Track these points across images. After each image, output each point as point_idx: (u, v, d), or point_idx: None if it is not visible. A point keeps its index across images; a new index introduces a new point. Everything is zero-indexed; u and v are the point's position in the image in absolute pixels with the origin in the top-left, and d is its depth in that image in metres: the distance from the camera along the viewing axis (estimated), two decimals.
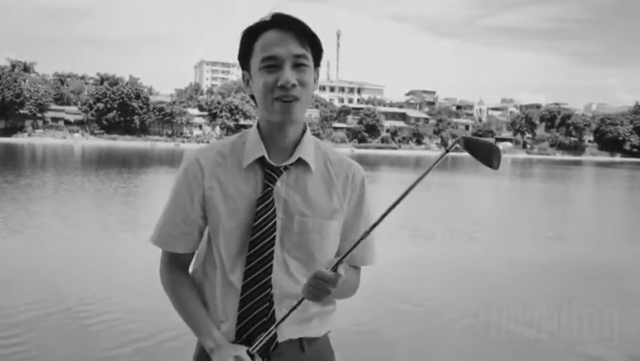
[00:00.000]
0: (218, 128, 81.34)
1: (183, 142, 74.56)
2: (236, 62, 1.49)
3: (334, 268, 1.28)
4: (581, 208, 19.24)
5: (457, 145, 1.32)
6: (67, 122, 77.03)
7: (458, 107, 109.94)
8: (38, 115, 73.77)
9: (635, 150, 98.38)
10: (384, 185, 23.64)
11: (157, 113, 78.79)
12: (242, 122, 78.97)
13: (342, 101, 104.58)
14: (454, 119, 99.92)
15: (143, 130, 78.43)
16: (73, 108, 78.66)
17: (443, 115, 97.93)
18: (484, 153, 1.35)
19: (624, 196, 24.64)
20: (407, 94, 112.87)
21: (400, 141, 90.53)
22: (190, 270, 1.58)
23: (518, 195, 20.27)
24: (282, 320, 1.35)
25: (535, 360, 4.74)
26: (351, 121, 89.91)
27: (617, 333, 5.33)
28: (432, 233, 11.04)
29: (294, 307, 1.34)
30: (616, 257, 9.60)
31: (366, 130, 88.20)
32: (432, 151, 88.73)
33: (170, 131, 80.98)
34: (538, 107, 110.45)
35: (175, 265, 1.54)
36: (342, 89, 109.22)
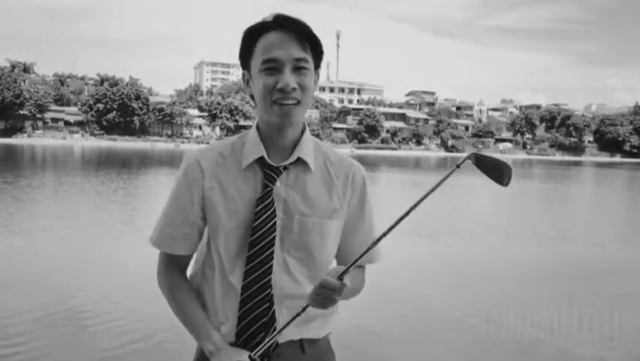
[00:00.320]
0: (218, 129, 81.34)
1: (183, 143, 74.55)
2: (236, 62, 1.49)
3: (340, 278, 1.28)
4: (581, 209, 19.25)
5: (469, 160, 1.31)
6: (67, 123, 77.02)
7: (458, 108, 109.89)
8: (38, 116, 73.80)
9: (635, 150, 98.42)
10: (384, 185, 23.65)
11: (157, 113, 78.81)
12: (242, 122, 78.96)
13: (342, 101, 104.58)
14: (454, 120, 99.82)
15: (142, 131, 78.44)
16: (73, 109, 78.64)
17: (443, 116, 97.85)
18: (495, 170, 1.34)
19: (624, 197, 24.66)
20: (407, 94, 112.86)
21: (399, 142, 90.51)
22: (188, 274, 1.56)
23: (518, 196, 20.27)
24: (285, 326, 1.35)
25: (536, 360, 4.74)
26: (351, 122, 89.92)
27: (617, 333, 5.33)
28: (433, 233, 11.03)
29: (298, 314, 1.34)
30: (616, 257, 9.60)
31: (366, 131, 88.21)
32: (432, 152, 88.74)
33: (170, 132, 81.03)
34: (538, 107, 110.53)
35: (173, 267, 1.52)
36: (341, 90, 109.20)
